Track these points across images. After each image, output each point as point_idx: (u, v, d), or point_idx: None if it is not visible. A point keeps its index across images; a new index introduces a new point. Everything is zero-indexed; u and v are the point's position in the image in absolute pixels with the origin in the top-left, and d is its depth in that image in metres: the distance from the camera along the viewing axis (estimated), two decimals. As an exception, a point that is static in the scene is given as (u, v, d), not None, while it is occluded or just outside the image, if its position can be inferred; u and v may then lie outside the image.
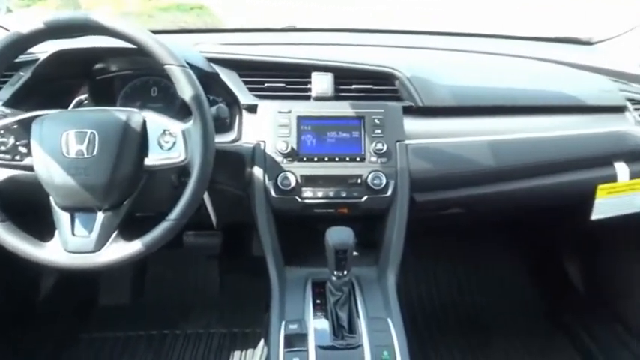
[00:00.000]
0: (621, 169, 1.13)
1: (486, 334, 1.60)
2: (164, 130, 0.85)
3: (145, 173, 0.88)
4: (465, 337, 1.59)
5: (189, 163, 0.84)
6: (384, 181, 0.98)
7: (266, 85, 1.06)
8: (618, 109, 1.16)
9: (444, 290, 1.75)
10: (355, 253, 1.10)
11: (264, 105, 1.03)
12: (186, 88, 0.83)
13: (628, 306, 1.38)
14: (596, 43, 1.41)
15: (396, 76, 1.07)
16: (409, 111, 1.05)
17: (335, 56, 1.11)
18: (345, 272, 0.91)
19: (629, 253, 1.36)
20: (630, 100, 1.18)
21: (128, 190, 0.86)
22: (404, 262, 1.04)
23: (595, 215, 1.16)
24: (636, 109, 1.17)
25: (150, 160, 0.85)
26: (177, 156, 0.84)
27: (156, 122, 0.86)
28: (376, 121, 1.01)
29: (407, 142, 1.01)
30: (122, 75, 1.13)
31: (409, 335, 0.92)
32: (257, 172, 0.99)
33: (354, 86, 1.07)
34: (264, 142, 0.99)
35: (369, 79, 1.08)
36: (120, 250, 0.83)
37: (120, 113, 0.86)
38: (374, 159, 0.99)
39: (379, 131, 1.01)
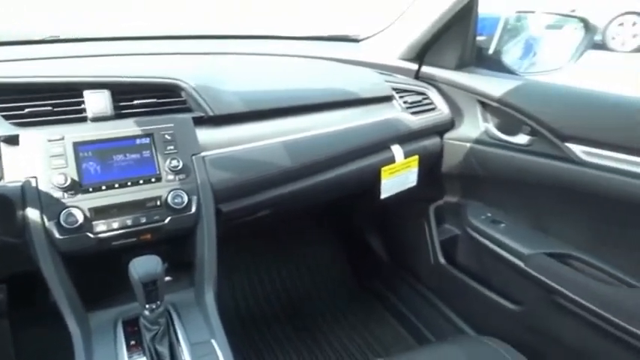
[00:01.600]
0: (397, 150, 1.29)
1: (312, 316, 1.72)
2: None
3: None
4: (293, 326, 1.68)
5: None
6: (186, 199, 0.93)
7: (27, 110, 0.90)
8: (387, 99, 1.32)
9: (267, 287, 1.79)
10: (168, 278, 1.03)
11: (28, 135, 0.87)
12: None
13: (420, 265, 1.60)
14: (362, 39, 1.57)
15: (181, 87, 1.02)
16: (201, 122, 1.02)
17: (109, 70, 1.01)
18: (159, 303, 0.85)
19: (412, 221, 1.58)
20: (395, 89, 1.35)
21: None
22: (224, 273, 1.01)
23: (383, 194, 1.31)
24: (401, 97, 1.34)
25: None
26: None
27: None
28: (166, 136, 0.95)
29: (203, 154, 0.98)
30: None
31: (237, 345, 0.90)
32: (32, 213, 0.84)
33: (136, 102, 0.98)
34: (35, 177, 0.85)
35: (153, 93, 1.01)
36: None
37: None
38: (171, 177, 0.94)
39: (172, 147, 0.95)
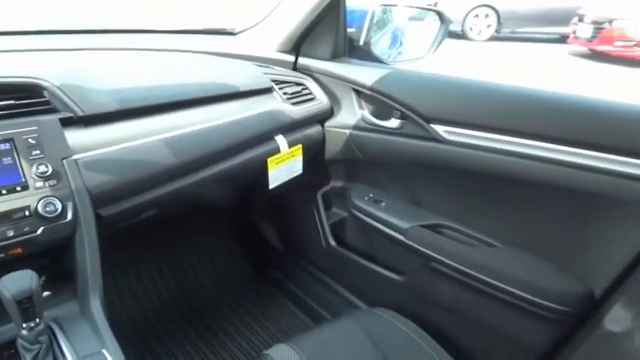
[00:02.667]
0: (281, 140, 1.32)
1: (210, 313, 1.71)
2: None
3: None
4: (191, 325, 1.65)
5: None
6: (60, 206, 0.87)
7: None
8: (267, 91, 1.34)
9: (161, 289, 1.74)
10: (47, 293, 0.96)
11: None
12: None
13: (312, 249, 1.67)
14: (239, 32, 1.57)
15: (42, 87, 0.94)
16: (70, 123, 0.95)
17: None
18: (38, 320, 0.79)
19: (302, 208, 1.63)
20: (274, 81, 1.38)
21: None
22: (112, 280, 0.97)
23: (272, 184, 1.34)
24: (280, 89, 1.38)
25: None
26: None
27: None
28: (30, 140, 0.88)
29: (75, 157, 0.92)
30: None
31: (135, 352, 0.87)
32: None
33: None
34: None
35: (10, 94, 0.92)
36: None
37: None
38: (40, 184, 0.87)
39: (38, 152, 0.88)
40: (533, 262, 1.15)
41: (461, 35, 9.47)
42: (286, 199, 1.67)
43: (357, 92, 1.40)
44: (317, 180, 1.59)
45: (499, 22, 9.39)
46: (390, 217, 1.36)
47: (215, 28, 1.62)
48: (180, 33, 1.56)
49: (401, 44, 1.65)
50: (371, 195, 1.46)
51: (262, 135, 1.28)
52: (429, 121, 1.23)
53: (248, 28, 1.56)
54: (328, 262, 1.64)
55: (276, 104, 1.33)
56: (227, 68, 1.35)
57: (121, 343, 0.88)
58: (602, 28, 7.83)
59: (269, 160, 1.30)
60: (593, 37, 7.99)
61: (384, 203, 1.42)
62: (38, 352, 0.80)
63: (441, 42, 1.52)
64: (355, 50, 1.50)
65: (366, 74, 1.36)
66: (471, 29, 9.48)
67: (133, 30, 1.49)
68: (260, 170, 1.30)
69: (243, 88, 1.28)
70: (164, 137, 1.06)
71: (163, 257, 1.79)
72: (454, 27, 9.43)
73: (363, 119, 1.40)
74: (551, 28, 9.30)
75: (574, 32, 8.46)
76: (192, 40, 1.48)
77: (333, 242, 1.57)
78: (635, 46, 7.36)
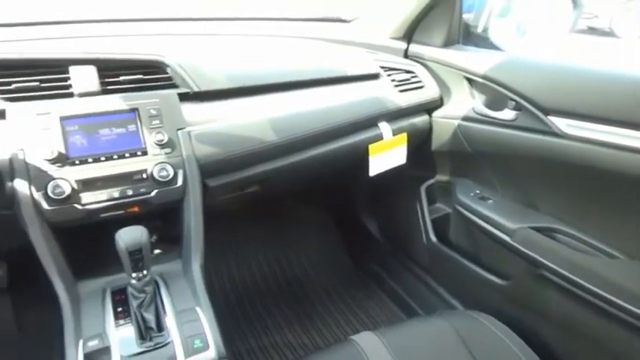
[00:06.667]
0: (385, 128, 1.30)
1: (305, 295, 1.75)
2: None
3: None
4: (286, 303, 1.71)
5: None
6: (172, 172, 0.96)
7: (14, 85, 0.92)
8: (374, 76, 1.33)
9: (263, 266, 1.82)
10: (158, 250, 1.07)
11: (15, 108, 0.90)
12: None
13: (413, 244, 1.62)
14: (352, 20, 1.58)
15: (166, 64, 1.04)
16: (187, 98, 1.04)
17: (96, 48, 1.03)
18: (145, 272, 0.87)
19: (405, 200, 1.59)
20: (383, 67, 1.36)
21: None
22: (217, 251, 1.03)
23: (372, 171, 1.32)
24: (389, 75, 1.35)
25: None
26: None
27: None
28: (152, 111, 0.97)
29: (189, 129, 1.00)
30: None
31: (229, 314, 0.92)
32: (20, 185, 0.86)
33: (122, 78, 1.01)
34: (22, 150, 0.87)
35: (139, 70, 1.03)
36: None
37: None
38: (157, 151, 0.96)
39: (157, 121, 0.97)
40: None
41: (608, 33, 8.45)
42: (389, 190, 1.65)
43: (470, 81, 1.32)
44: (421, 172, 1.54)
45: (658, 17, 8.21)
46: (496, 215, 1.26)
47: (329, 16, 1.64)
48: (295, 20, 1.61)
49: (525, 32, 1.51)
50: (477, 191, 1.37)
51: (366, 120, 1.27)
52: (547, 112, 1.11)
53: (361, 16, 1.56)
54: (428, 259, 1.58)
55: (383, 91, 1.31)
56: (336, 53, 1.37)
57: (220, 305, 0.94)
58: None
59: (370, 146, 1.28)
60: None
61: (490, 201, 1.32)
62: (143, 301, 0.89)
63: (572, 30, 1.37)
64: (471, 37, 1.42)
65: (479, 61, 1.27)
66: (622, 26, 8.41)
67: (249, 17, 1.57)
68: (361, 156, 1.29)
69: (350, 73, 1.28)
70: (271, 116, 1.11)
71: (267, 239, 1.88)
72: (599, 23, 8.45)
73: (474, 110, 1.31)
74: None
75: None
76: (306, 27, 1.52)
77: (434, 238, 1.50)
78: None
